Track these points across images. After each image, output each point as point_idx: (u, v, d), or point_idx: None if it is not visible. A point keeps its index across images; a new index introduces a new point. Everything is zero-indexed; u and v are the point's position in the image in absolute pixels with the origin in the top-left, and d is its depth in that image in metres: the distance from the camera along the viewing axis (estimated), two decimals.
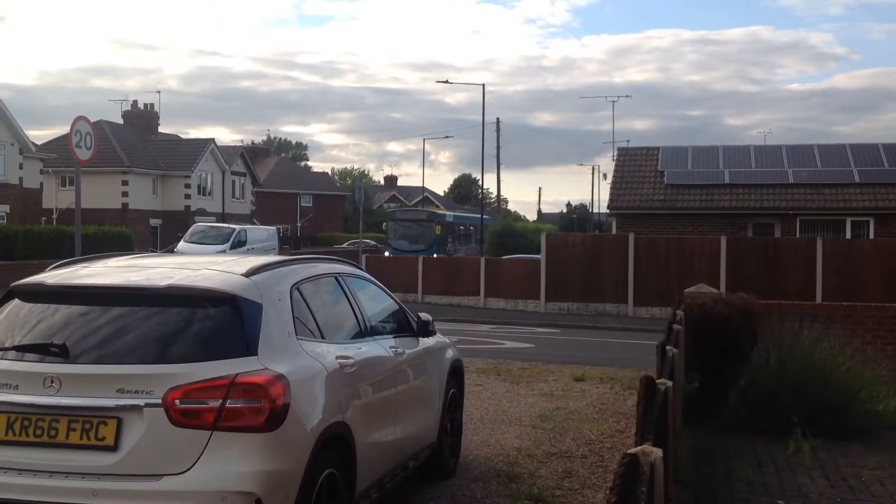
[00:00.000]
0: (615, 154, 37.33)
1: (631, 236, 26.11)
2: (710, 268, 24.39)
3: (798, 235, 28.80)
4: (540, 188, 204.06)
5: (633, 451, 2.91)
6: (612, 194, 31.96)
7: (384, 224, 46.26)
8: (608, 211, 33.65)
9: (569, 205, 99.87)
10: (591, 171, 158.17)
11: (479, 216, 50.65)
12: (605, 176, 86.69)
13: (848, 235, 28.81)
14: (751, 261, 24.45)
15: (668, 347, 6.24)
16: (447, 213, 52.76)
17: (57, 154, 40.93)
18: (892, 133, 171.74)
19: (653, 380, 4.21)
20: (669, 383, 4.85)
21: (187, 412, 4.31)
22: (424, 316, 7.18)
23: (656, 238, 26.68)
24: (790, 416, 8.35)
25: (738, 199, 30.24)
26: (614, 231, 31.37)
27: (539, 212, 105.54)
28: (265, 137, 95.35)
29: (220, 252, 31.24)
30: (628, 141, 55.59)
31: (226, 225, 41.26)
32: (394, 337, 6.56)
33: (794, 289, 23.11)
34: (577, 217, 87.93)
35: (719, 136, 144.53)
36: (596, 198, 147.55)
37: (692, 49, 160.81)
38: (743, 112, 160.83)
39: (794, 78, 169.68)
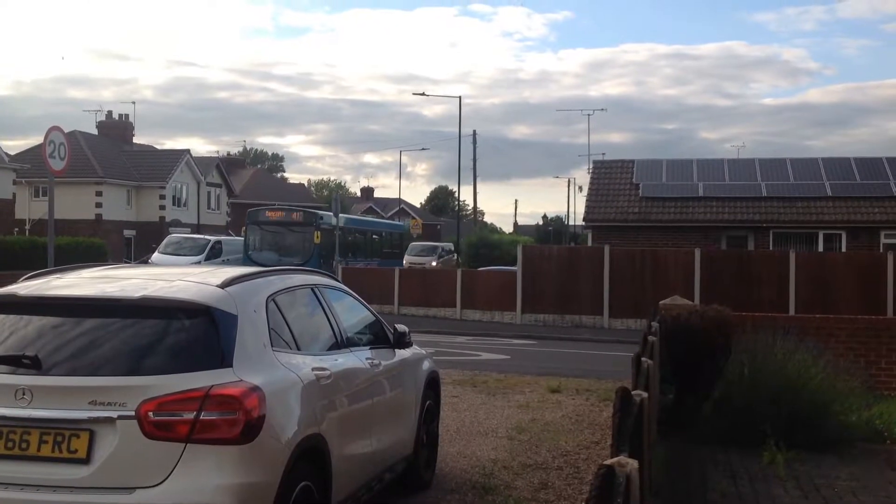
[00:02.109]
0: (591, 167, 37.59)
1: (606, 248, 26.24)
2: (684, 280, 24.54)
3: (771, 248, 29.07)
4: (516, 200, 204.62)
5: (608, 462, 2.91)
6: (587, 207, 32.13)
7: (243, 228, 34.42)
8: (584, 223, 33.84)
9: (545, 217, 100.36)
10: (567, 184, 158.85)
11: (387, 222, 44.12)
12: (580, 188, 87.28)
13: (820, 248, 29.13)
14: (725, 273, 24.65)
15: (643, 359, 6.26)
16: (331, 214, 33.84)
17: (30, 164, 40.56)
18: (864, 147, 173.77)
19: (628, 391, 4.23)
20: (645, 395, 4.87)
21: (161, 424, 4.27)
22: (401, 327, 7.17)
23: (631, 250, 26.83)
24: (764, 428, 8.40)
25: (712, 212, 30.49)
26: (590, 243, 31.52)
27: (515, 224, 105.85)
28: (241, 149, 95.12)
29: (195, 263, 31.31)
30: (604, 154, 55.93)
31: (201, 236, 41.13)
32: (370, 348, 6.55)
33: (768, 301, 23.31)
34: (553, 229, 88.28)
35: (694, 149, 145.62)
36: (572, 210, 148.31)
37: (667, 63, 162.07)
38: (717, 126, 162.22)
39: (767, 92, 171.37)
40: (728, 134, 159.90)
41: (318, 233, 32.01)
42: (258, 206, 34.81)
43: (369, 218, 46.62)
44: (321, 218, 32.67)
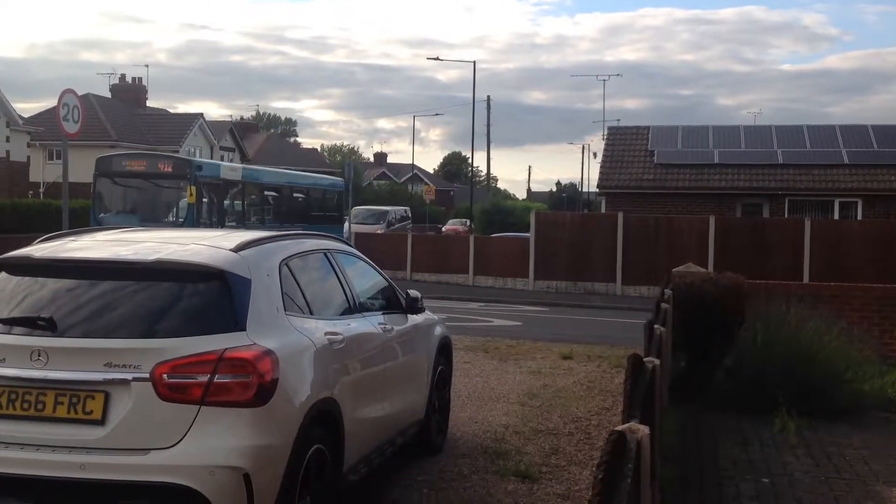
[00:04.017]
0: (605, 133, 37.32)
1: (620, 215, 26.14)
2: (698, 247, 24.45)
3: (786, 216, 28.89)
4: (530, 167, 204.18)
5: (620, 428, 2.92)
6: (601, 173, 31.96)
7: (92, 178, 23.75)
8: (598, 190, 33.66)
9: (558, 183, 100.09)
10: (581, 150, 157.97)
11: (316, 176, 33.55)
12: (595, 155, 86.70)
13: (836, 216, 28.92)
14: (739, 241, 24.53)
15: (655, 326, 6.25)
16: (221, 163, 28.64)
17: (44, 127, 40.63)
18: (881, 114, 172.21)
19: (640, 358, 4.23)
20: (657, 361, 4.86)
21: (175, 387, 4.30)
22: (413, 293, 7.17)
23: (645, 217, 26.72)
24: (776, 395, 8.40)
25: (728, 179, 30.28)
26: (604, 210, 31.39)
27: (529, 190, 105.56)
28: (254, 113, 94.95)
29: None
30: (619, 120, 55.44)
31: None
32: (382, 313, 6.56)
33: (782, 269, 23.19)
34: (566, 196, 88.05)
35: (710, 115, 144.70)
36: (586, 177, 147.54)
37: (685, 28, 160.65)
38: (734, 92, 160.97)
39: (786, 58, 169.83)
40: (745, 100, 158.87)
41: (193, 188, 22.52)
42: (110, 154, 24.75)
43: (287, 170, 34.20)
44: (199, 168, 23.36)
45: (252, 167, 32.75)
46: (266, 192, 27.84)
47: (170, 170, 23.57)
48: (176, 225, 21.78)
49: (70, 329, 4.49)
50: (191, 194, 22.53)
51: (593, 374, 11.54)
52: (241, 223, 24.57)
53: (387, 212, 42.72)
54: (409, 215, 46.98)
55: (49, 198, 37.82)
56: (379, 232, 36.65)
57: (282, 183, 29.02)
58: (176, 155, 27.96)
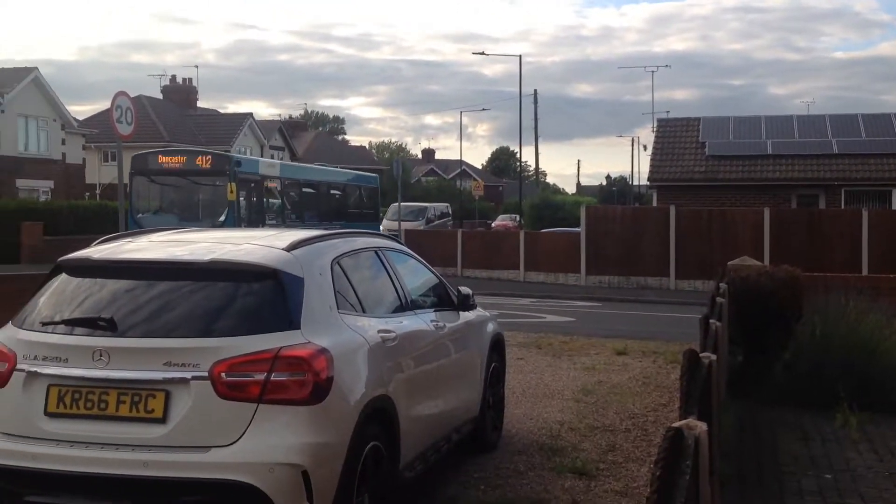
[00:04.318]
0: (655, 125, 36.95)
1: (672, 209, 25.85)
2: (753, 240, 24.07)
3: (843, 206, 28.34)
4: (579, 160, 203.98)
5: (677, 424, 2.88)
6: (652, 166, 31.65)
7: (128, 177, 22.19)
8: (648, 183, 33.35)
9: (608, 177, 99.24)
10: (630, 143, 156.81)
11: (353, 173, 32.62)
12: (644, 147, 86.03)
13: (894, 206, 28.29)
14: (795, 233, 24.10)
15: (711, 321, 6.16)
16: (259, 159, 29.00)
17: (98, 129, 41.45)
18: None
19: (696, 353, 4.16)
20: (713, 357, 4.79)
21: (233, 385, 4.35)
22: (465, 290, 7.16)
23: (698, 210, 26.39)
24: (836, 390, 8.24)
25: (782, 170, 29.80)
26: (655, 203, 31.09)
27: (578, 184, 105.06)
28: (302, 112, 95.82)
29: None
30: (668, 112, 54.99)
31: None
32: (434, 311, 6.56)
33: (840, 261, 22.75)
34: (616, 189, 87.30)
35: (762, 105, 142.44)
36: (636, 170, 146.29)
37: (734, 17, 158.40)
38: (786, 81, 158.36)
39: (838, 46, 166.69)
40: (797, 89, 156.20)
41: (233, 185, 21.82)
42: (146, 152, 23.87)
43: (323, 167, 33.49)
44: (239, 164, 22.79)
45: (289, 163, 32.56)
46: (304, 189, 27.28)
47: (208, 166, 22.77)
48: (216, 223, 20.89)
49: (130, 329, 4.57)
50: (231, 191, 21.84)
51: (649, 370, 11.43)
52: (281, 220, 23.99)
53: (426, 208, 41.21)
54: (450, 212, 45.76)
55: (105, 199, 38.57)
56: (420, 229, 36.19)
57: (319, 179, 28.46)
58: (214, 150, 26.28)
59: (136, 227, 17.89)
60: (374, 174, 33.37)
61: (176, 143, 48.36)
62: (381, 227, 30.85)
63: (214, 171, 22.53)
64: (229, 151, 49.11)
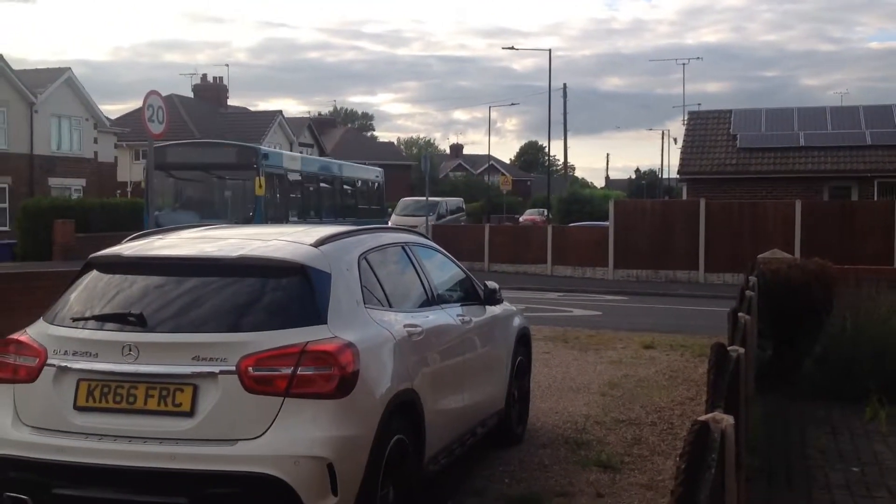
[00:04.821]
0: (686, 118, 36.67)
1: (702, 202, 25.67)
2: (783, 233, 23.84)
3: (876, 198, 27.98)
4: (608, 154, 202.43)
5: (703, 418, 2.87)
6: (682, 159, 31.43)
7: (144, 171, 20.90)
8: (678, 176, 33.12)
9: (638, 171, 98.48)
10: (660, 136, 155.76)
11: (361, 167, 30.00)
12: (675, 141, 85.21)
13: None
14: (826, 225, 23.84)
15: (740, 314, 6.13)
16: (283, 152, 26.17)
17: (130, 128, 41.90)
18: None
19: (724, 346, 4.15)
20: (741, 350, 4.77)
21: (260, 379, 4.40)
22: (491, 284, 7.19)
23: (728, 203, 26.17)
24: (867, 383, 8.17)
25: (814, 163, 29.46)
26: (685, 197, 30.87)
27: (607, 178, 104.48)
28: (332, 108, 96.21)
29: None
30: (699, 104, 54.32)
31: None
32: (461, 305, 6.59)
33: (872, 253, 22.46)
34: (646, 183, 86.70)
35: (795, 97, 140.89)
36: (666, 163, 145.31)
37: (767, 8, 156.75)
38: (820, 72, 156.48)
39: (873, 36, 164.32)
40: (831, 80, 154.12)
41: (262, 179, 20.27)
42: (165, 144, 21.28)
43: (335, 161, 30.89)
44: (266, 157, 21.06)
45: (308, 157, 30.77)
46: (321, 184, 25.46)
47: (234, 160, 21.18)
48: (244, 220, 19.38)
49: (159, 324, 4.63)
50: (259, 186, 20.22)
51: (676, 364, 11.38)
52: (304, 217, 22.82)
53: (437, 203, 38.47)
54: (463, 207, 44.26)
55: (136, 197, 38.93)
56: (431, 224, 33.31)
57: (335, 174, 26.61)
58: (238, 143, 24.64)
59: (154, 226, 16.90)
60: (380, 168, 31.41)
61: (206, 141, 48.75)
62: (390, 223, 29.00)
63: (240, 165, 20.96)
64: None
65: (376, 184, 30.16)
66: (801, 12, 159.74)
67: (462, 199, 47.08)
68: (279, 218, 21.31)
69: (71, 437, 4.50)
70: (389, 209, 34.61)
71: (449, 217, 37.82)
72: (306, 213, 23.47)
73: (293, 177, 23.27)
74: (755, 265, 10.55)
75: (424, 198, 34.51)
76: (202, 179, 21.61)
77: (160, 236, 5.63)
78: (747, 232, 24.45)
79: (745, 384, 5.80)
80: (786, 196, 27.36)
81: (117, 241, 5.63)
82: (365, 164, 32.99)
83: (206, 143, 24.39)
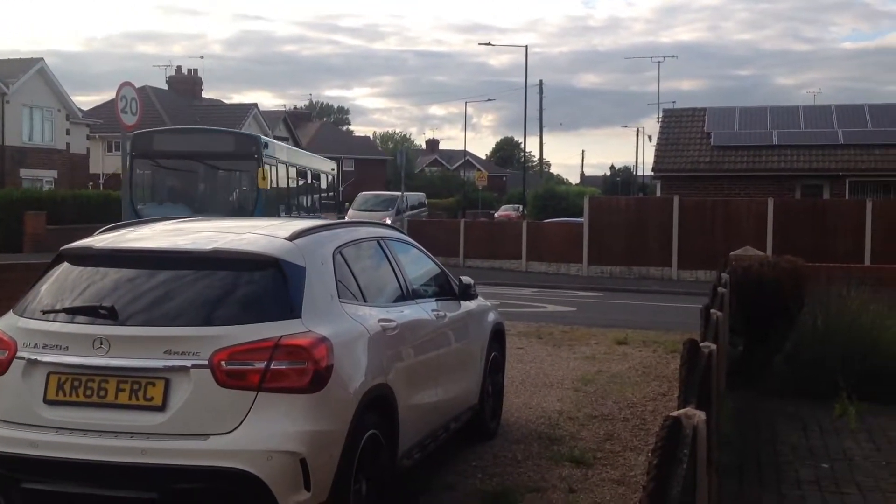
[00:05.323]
0: (660, 116, 36.86)
1: (676, 199, 25.82)
2: (756, 230, 24.05)
3: (847, 197, 28.28)
4: (583, 151, 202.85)
5: (675, 413, 2.89)
6: (656, 157, 31.59)
7: (128, 159, 17.24)
8: (653, 174, 33.29)
9: (612, 168, 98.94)
10: (635, 134, 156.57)
11: (318, 157, 27.49)
12: (649, 138, 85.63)
13: None
14: (798, 223, 24.07)
15: (712, 311, 6.17)
16: (274, 141, 22.94)
17: (103, 120, 41.48)
18: None
19: (696, 343, 4.17)
20: (713, 346, 4.80)
21: (233, 373, 4.38)
22: (466, 279, 7.19)
23: (702, 201, 26.35)
24: (836, 380, 8.25)
25: (786, 161, 29.72)
26: (659, 194, 31.05)
27: (582, 175, 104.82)
28: (307, 102, 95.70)
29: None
30: (674, 102, 54.82)
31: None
32: (436, 300, 6.59)
33: (843, 252, 22.73)
34: (620, 180, 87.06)
35: (769, 96, 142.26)
36: (640, 160, 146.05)
37: (743, 7, 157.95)
38: (794, 72, 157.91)
39: (847, 36, 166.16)
40: (805, 80, 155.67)
41: (265, 170, 18.36)
42: (150, 130, 19.58)
43: (306, 152, 28.69)
44: (266, 146, 19.11)
45: (292, 148, 27.86)
46: (300, 177, 23.64)
47: (231, 148, 19.14)
48: (242, 215, 17.35)
49: (131, 318, 4.59)
50: (262, 177, 18.18)
51: (648, 360, 11.45)
52: (290, 211, 21.25)
53: (396, 198, 36.79)
54: (426, 202, 42.83)
55: (108, 189, 38.59)
56: (387, 221, 31.05)
57: (307, 165, 24.53)
58: (236, 130, 22.52)
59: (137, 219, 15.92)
60: (329, 159, 29.38)
61: None
62: (347, 217, 27.92)
63: (239, 154, 18.82)
64: None
65: (331, 176, 28.79)
66: (776, 12, 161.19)
67: (424, 194, 45.66)
68: (273, 213, 19.23)
69: (40, 432, 4.46)
70: (347, 205, 33.88)
71: (409, 213, 36.02)
72: (291, 206, 21.91)
73: (282, 169, 21.55)
74: (728, 262, 10.63)
75: (385, 192, 33.72)
76: (193, 169, 19.31)
77: (132, 228, 5.57)
78: (720, 229, 24.63)
79: (717, 380, 5.84)
80: (759, 194, 27.59)
81: (89, 234, 5.57)
82: (341, 158, 32.17)
83: (198, 130, 22.51)
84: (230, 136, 20.43)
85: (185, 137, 19.85)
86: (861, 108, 31.58)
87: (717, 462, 4.89)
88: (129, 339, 4.51)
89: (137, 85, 15.00)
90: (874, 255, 23.10)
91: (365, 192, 40.46)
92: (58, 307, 4.76)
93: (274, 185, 20.06)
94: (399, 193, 35.70)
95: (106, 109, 40.68)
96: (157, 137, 19.22)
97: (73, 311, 4.70)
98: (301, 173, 23.88)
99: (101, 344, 4.48)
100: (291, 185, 22.60)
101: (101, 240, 5.24)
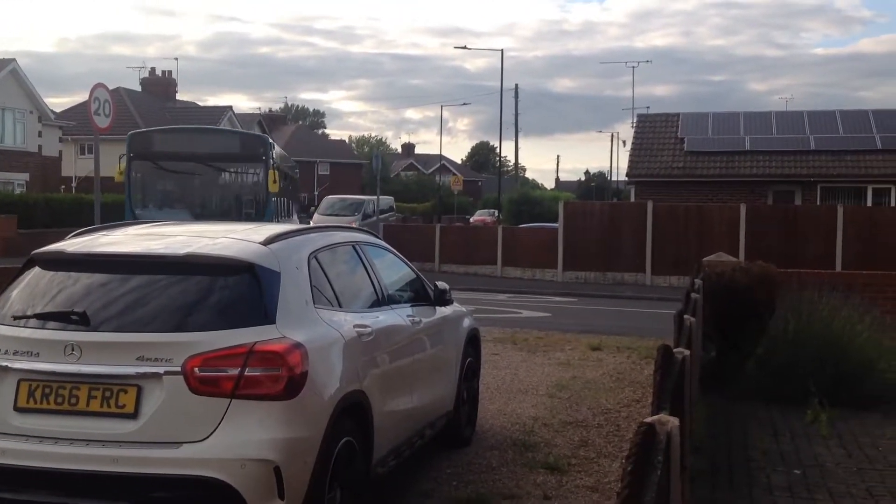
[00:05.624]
0: (634, 121, 37.08)
1: (649, 204, 25.97)
2: (729, 236, 24.23)
3: (819, 203, 28.57)
4: (558, 156, 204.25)
5: (649, 419, 2.90)
6: (631, 162, 31.77)
7: (121, 156, 17.66)
8: (627, 179, 33.48)
9: (587, 172, 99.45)
10: (610, 139, 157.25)
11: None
12: (624, 143, 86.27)
13: (869, 203, 28.56)
14: (770, 229, 24.29)
15: (685, 316, 6.21)
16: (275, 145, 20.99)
17: (76, 122, 41.06)
18: None
19: (670, 349, 4.19)
20: (687, 352, 4.83)
21: (206, 380, 4.34)
22: (441, 285, 7.18)
23: (675, 206, 26.53)
24: (808, 385, 8.32)
25: (759, 167, 30.00)
26: (633, 199, 31.22)
27: (557, 180, 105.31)
28: (283, 105, 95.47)
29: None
30: (648, 107, 55.17)
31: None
32: (411, 306, 6.58)
33: (814, 257, 22.94)
34: (595, 185, 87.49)
35: (742, 101, 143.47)
36: (615, 165, 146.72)
37: (716, 12, 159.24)
38: (766, 77, 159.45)
39: (819, 42, 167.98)
40: (777, 85, 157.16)
41: (275, 173, 17.45)
42: (149, 130, 19.05)
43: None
44: (274, 147, 18.30)
45: (279, 148, 27.14)
46: (284, 180, 21.67)
47: (237, 150, 18.15)
48: (248, 220, 16.71)
49: (103, 323, 4.54)
50: (273, 181, 17.15)
51: (623, 366, 11.49)
52: (289, 215, 20.24)
53: (363, 202, 35.80)
54: (394, 207, 41.72)
55: (81, 192, 38.23)
56: (353, 225, 30.00)
57: (288, 167, 23.18)
58: (243, 130, 21.43)
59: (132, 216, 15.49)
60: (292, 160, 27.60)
61: None
62: (311, 222, 26.47)
63: (245, 156, 17.85)
64: None
65: (295, 178, 26.90)
66: (749, 18, 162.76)
67: (393, 198, 44.39)
68: (278, 218, 18.49)
69: (10, 440, 4.40)
70: (313, 209, 32.81)
71: (377, 217, 34.61)
72: (280, 210, 20.36)
73: (280, 172, 20.21)
74: (700, 268, 10.70)
75: (351, 196, 32.57)
76: (196, 172, 18.23)
77: (105, 232, 5.51)
78: (693, 235, 24.80)
79: (691, 386, 5.87)
80: (731, 199, 27.81)
81: (61, 238, 5.50)
82: (316, 162, 31.19)
83: (202, 130, 21.54)
84: (236, 136, 19.45)
85: (187, 137, 18.76)
86: (833, 115, 31.94)
87: (690, 467, 4.91)
88: (101, 346, 4.46)
89: (111, 86, 14.86)
90: (845, 260, 23.35)
91: (330, 196, 39.49)
92: (29, 313, 4.70)
93: (284, 186, 19.39)
94: (366, 197, 34.94)
95: (79, 111, 40.27)
96: (156, 137, 18.35)
97: (44, 317, 4.64)
98: (283, 175, 22.52)
99: (73, 350, 4.43)
100: (284, 188, 21.36)
101: (74, 244, 5.19)
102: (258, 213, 17.34)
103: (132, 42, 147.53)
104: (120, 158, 17.66)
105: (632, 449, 2.53)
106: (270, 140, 19.12)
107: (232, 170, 18.46)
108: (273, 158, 17.77)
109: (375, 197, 33.13)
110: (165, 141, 18.27)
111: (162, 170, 18.11)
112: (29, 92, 38.90)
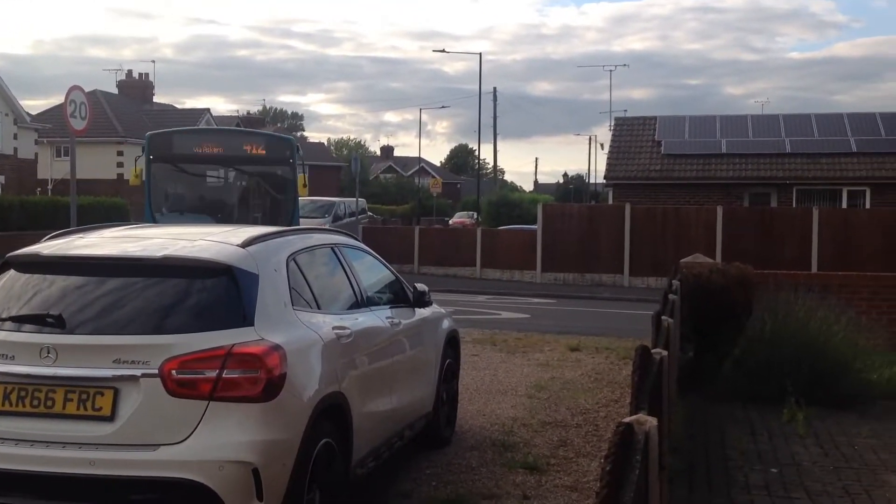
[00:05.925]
0: (612, 124, 37.26)
1: (627, 207, 26.11)
2: (706, 238, 24.41)
3: (794, 205, 28.82)
4: (537, 158, 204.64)
5: (628, 419, 2.92)
6: (608, 165, 31.90)
7: (140, 156, 17.22)
8: (605, 181, 33.61)
9: (566, 175, 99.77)
10: (588, 142, 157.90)
11: None
12: (602, 146, 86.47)
13: (844, 205, 28.84)
14: (747, 231, 24.48)
15: (663, 317, 6.24)
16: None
17: (52, 124, 40.74)
18: (891, 102, 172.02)
19: (648, 349, 4.22)
20: (665, 353, 4.86)
21: (184, 382, 4.32)
22: (420, 286, 7.19)
23: (653, 208, 26.68)
24: (784, 385, 8.39)
25: (735, 169, 30.20)
26: (611, 201, 31.35)
27: (536, 182, 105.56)
28: (261, 107, 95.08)
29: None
30: (626, 111, 55.41)
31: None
32: (390, 307, 6.58)
33: (791, 258, 23.15)
34: (573, 187, 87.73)
35: (718, 105, 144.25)
36: (593, 168, 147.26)
37: (693, 17, 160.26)
38: (742, 81, 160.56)
39: (794, 46, 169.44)
40: (753, 89, 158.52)
41: (304, 176, 17.19)
42: (170, 131, 18.66)
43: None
44: (299, 150, 17.81)
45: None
46: None
47: (263, 152, 17.44)
48: (274, 223, 14.59)
49: (79, 326, 4.51)
50: (303, 184, 16.93)
51: (601, 366, 11.54)
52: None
53: (333, 204, 33.84)
54: (367, 209, 40.81)
55: (57, 195, 37.88)
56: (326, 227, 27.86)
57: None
58: (268, 132, 20.58)
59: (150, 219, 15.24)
60: None
61: (131, 139, 47.62)
62: None
63: (270, 159, 17.41)
64: None
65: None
66: (725, 22, 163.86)
67: (365, 200, 44.00)
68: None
69: None
70: None
71: (348, 220, 32.96)
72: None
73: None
74: (678, 269, 10.76)
75: (322, 198, 31.85)
76: (219, 175, 18.07)
77: (81, 235, 5.47)
78: (671, 237, 24.96)
79: (669, 386, 5.91)
80: (708, 202, 28.01)
81: (37, 240, 5.46)
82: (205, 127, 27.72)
83: (226, 131, 21.07)
84: (261, 137, 18.89)
85: (210, 139, 18.14)
86: (808, 118, 32.22)
87: (668, 467, 4.94)
88: (77, 348, 4.43)
89: (87, 89, 14.76)
90: (821, 262, 23.58)
91: (300, 198, 38.94)
92: (4, 315, 4.66)
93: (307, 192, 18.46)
94: (337, 199, 34.09)
95: (55, 114, 39.93)
96: (177, 139, 17.86)
97: (19, 320, 4.61)
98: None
99: (49, 353, 4.40)
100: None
101: (49, 246, 5.15)
102: (284, 217, 16.84)
103: (108, 44, 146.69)
104: (136, 160, 17.05)
105: (610, 448, 2.54)
106: (296, 142, 18.80)
107: (257, 172, 18.01)
108: (300, 161, 17.41)
109: (346, 199, 32.22)
110: (187, 142, 17.70)
111: (184, 172, 17.60)
112: (4, 94, 38.55)
